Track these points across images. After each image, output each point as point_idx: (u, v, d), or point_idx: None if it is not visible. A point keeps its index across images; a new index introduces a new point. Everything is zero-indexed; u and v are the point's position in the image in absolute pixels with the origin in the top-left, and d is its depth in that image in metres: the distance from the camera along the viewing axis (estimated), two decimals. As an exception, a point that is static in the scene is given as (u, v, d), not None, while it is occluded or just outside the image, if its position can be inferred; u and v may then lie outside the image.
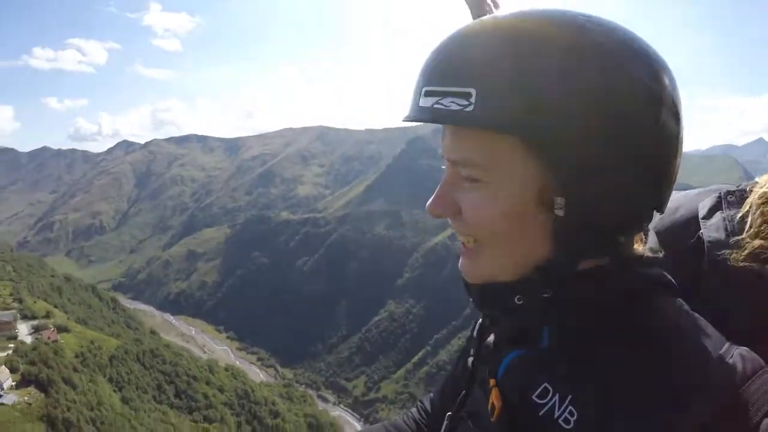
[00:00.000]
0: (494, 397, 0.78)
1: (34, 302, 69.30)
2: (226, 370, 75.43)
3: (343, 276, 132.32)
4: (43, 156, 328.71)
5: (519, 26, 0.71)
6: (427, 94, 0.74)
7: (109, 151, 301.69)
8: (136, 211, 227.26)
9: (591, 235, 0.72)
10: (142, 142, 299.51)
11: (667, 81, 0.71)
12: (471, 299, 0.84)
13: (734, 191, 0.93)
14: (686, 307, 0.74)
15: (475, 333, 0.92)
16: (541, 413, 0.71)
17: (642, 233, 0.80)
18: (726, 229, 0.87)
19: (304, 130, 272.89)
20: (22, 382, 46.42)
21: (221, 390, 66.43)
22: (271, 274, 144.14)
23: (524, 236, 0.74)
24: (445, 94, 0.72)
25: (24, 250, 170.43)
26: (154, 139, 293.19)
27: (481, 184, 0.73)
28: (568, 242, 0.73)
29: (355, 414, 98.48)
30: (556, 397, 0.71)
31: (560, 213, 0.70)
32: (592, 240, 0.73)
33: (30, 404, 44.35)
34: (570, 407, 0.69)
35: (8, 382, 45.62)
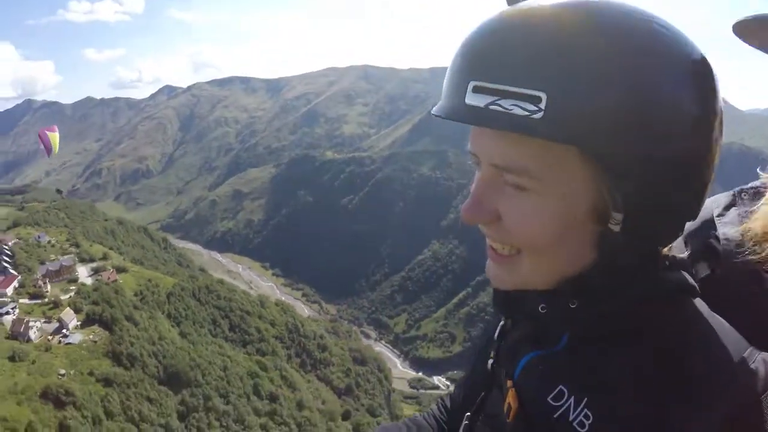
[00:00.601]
0: (511, 398, 0.77)
1: (91, 246, 70.93)
2: (276, 305, 76.40)
3: (388, 215, 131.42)
4: (86, 106, 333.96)
5: (594, 19, 0.63)
6: (478, 90, 0.65)
7: (152, 96, 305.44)
8: (181, 153, 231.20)
9: (636, 249, 0.70)
10: (185, 86, 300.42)
11: (718, 92, 0.67)
12: (494, 303, 0.82)
13: (748, 189, 0.92)
14: (708, 309, 0.72)
15: (496, 335, 0.91)
16: (556, 415, 0.70)
17: None
18: (741, 224, 0.86)
19: (348, 69, 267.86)
20: (87, 322, 47.81)
21: (272, 324, 67.59)
22: (315, 212, 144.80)
23: (568, 248, 0.71)
24: (504, 95, 0.63)
25: (75, 197, 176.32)
26: (197, 83, 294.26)
27: (530, 193, 0.68)
28: (613, 255, 0.70)
29: (395, 351, 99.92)
30: (572, 399, 0.69)
31: (616, 228, 0.67)
32: (636, 253, 0.70)
33: (95, 342, 45.82)
34: (585, 410, 0.67)
35: (73, 323, 46.93)
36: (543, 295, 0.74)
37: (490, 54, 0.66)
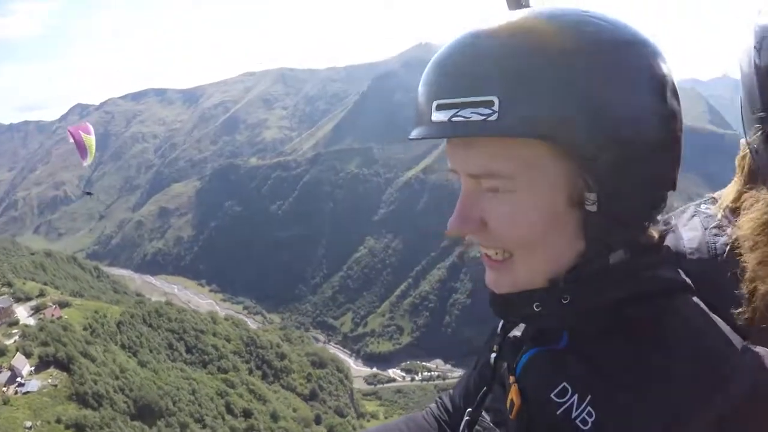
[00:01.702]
0: (513, 394, 0.77)
1: (24, 283, 65.08)
2: (226, 319, 74.55)
3: (319, 217, 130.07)
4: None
5: (529, 26, 0.68)
6: (440, 108, 0.70)
7: (63, 117, 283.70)
8: (100, 175, 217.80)
9: (621, 225, 0.71)
10: (97, 103, 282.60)
11: (665, 64, 0.71)
12: (491, 306, 0.83)
13: (706, 199, 0.97)
14: (704, 307, 0.73)
15: (498, 330, 0.91)
16: (558, 412, 0.70)
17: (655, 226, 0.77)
18: (704, 227, 0.89)
19: (265, 73, 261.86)
20: (41, 366, 43.87)
21: (228, 340, 66.12)
22: (246, 222, 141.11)
23: (557, 239, 0.72)
24: (462, 106, 0.68)
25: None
26: (110, 99, 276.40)
27: (509, 194, 0.70)
28: (599, 236, 0.71)
29: (346, 350, 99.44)
30: (575, 397, 0.69)
31: (592, 209, 0.69)
32: (622, 229, 0.72)
33: (56, 386, 42.23)
34: (589, 408, 0.68)
35: (26, 369, 42.68)
36: (536, 293, 0.74)
37: (446, 73, 0.70)
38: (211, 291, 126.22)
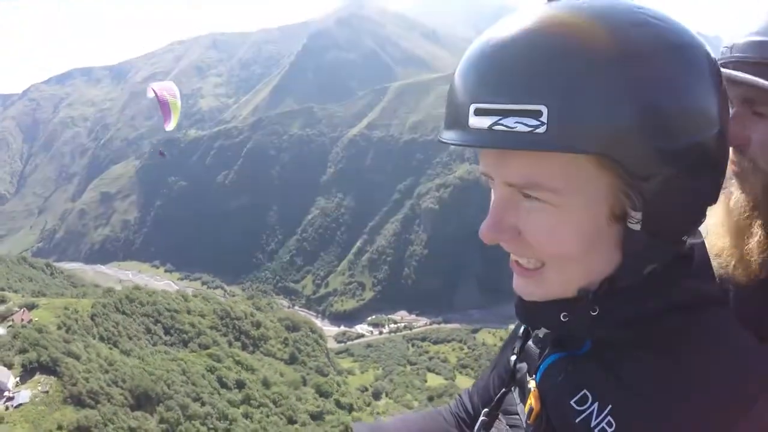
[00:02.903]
0: (533, 399, 0.74)
1: None
2: (195, 296, 72.15)
3: (267, 182, 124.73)
4: None
5: (586, 25, 0.60)
6: (479, 112, 0.62)
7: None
8: (32, 168, 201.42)
9: (662, 241, 0.67)
10: (19, 91, 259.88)
11: (719, 73, 0.65)
12: (516, 314, 0.80)
13: None
14: (733, 319, 0.70)
15: (520, 332, 0.88)
16: (577, 420, 0.67)
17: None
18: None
19: (195, 40, 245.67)
20: (26, 374, 40.17)
21: (202, 315, 63.85)
22: (192, 196, 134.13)
23: (593, 253, 0.67)
24: (505, 113, 0.60)
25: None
26: (33, 85, 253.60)
27: (551, 208, 0.65)
28: (637, 252, 0.67)
29: (311, 312, 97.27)
30: (595, 405, 0.66)
31: (635, 227, 0.64)
32: (662, 245, 0.67)
33: (47, 392, 38.94)
34: (609, 417, 0.64)
35: (11, 380, 38.54)
36: (563, 303, 0.71)
37: (486, 75, 0.63)
38: (166, 271, 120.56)
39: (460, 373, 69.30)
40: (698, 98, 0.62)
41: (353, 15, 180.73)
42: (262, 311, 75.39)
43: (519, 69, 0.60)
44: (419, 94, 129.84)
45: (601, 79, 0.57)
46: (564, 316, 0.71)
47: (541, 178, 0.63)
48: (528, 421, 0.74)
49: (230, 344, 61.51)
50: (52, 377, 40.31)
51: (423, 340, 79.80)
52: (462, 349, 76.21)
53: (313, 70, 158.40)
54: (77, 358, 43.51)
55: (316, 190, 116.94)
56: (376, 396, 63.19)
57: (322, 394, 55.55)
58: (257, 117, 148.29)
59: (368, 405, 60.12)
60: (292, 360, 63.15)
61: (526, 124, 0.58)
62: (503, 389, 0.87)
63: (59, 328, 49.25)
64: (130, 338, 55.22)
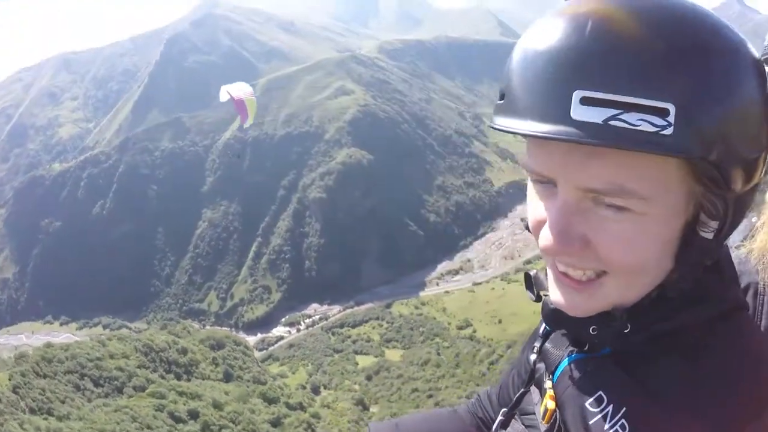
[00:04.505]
0: (548, 399, 0.71)
1: None
2: (110, 339, 64.61)
3: (147, 204, 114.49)
4: None
5: (710, 21, 0.54)
6: (587, 102, 0.51)
7: None
8: None
9: (714, 250, 0.62)
10: None
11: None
12: (543, 316, 0.75)
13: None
14: (756, 326, 0.69)
15: (541, 331, 0.84)
16: (591, 422, 0.62)
17: None
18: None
19: (43, 64, 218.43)
20: None
21: (126, 357, 57.55)
22: (71, 235, 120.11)
23: (659, 263, 0.62)
24: (626, 107, 0.50)
25: None
26: None
27: (637, 216, 0.57)
28: (699, 260, 0.62)
29: (224, 328, 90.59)
30: (610, 407, 0.61)
31: (708, 236, 0.59)
32: (713, 254, 0.63)
33: None
34: (623, 420, 0.59)
35: None
36: (596, 317, 0.66)
37: (599, 58, 0.51)
38: (62, 324, 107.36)
39: (387, 347, 68.94)
40: (765, 104, 0.56)
41: (208, 15, 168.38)
42: (182, 337, 69.35)
43: (645, 58, 0.50)
44: (287, 88, 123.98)
45: (723, 81, 0.52)
46: (593, 330, 0.67)
47: (632, 183, 0.55)
48: (543, 421, 0.71)
49: (163, 378, 56.42)
50: (-1, 469, 34.43)
51: (341, 326, 78.01)
52: (381, 326, 75.33)
53: (174, 79, 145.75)
54: (17, 437, 37.46)
55: (200, 203, 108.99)
56: (315, 391, 61.02)
57: (270, 401, 53.38)
58: (123, 137, 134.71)
59: (314, 400, 58.40)
60: (227, 378, 59.55)
61: (652, 123, 0.50)
62: (522, 389, 0.84)
63: (-19, 413, 42.43)
64: (63, 401, 48.30)
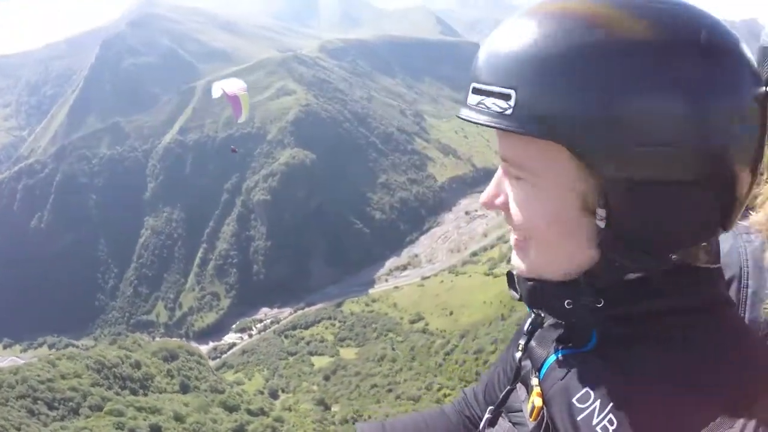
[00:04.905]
0: (536, 396, 0.72)
1: None
2: (59, 359, 62.57)
3: (88, 214, 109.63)
4: None
5: (569, 14, 0.59)
6: (474, 91, 0.66)
7: None
8: None
9: (636, 250, 0.63)
10: None
11: (747, 78, 0.58)
12: (521, 294, 0.78)
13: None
14: (743, 322, 0.70)
15: (525, 328, 0.85)
16: (579, 418, 0.63)
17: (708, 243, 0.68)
18: (735, 233, 0.85)
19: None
20: None
21: (79, 376, 54.58)
22: (8, 251, 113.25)
23: (568, 239, 0.67)
24: (489, 94, 0.64)
25: None
26: None
27: (526, 183, 0.67)
28: (610, 254, 0.65)
29: (175, 339, 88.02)
30: (597, 403, 0.62)
31: (601, 224, 0.63)
32: (638, 255, 0.64)
33: None
34: (610, 416, 0.60)
35: None
36: (568, 291, 0.70)
37: (485, 56, 0.66)
38: (5, 348, 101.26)
39: (341, 346, 68.71)
40: (670, 104, 0.56)
41: (146, 15, 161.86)
42: (133, 351, 66.14)
43: (501, 53, 0.62)
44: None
45: (568, 69, 0.57)
46: (568, 303, 0.70)
47: (523, 159, 0.65)
48: (530, 419, 0.72)
49: (119, 394, 54.16)
50: None
51: (294, 328, 76.90)
52: (334, 325, 74.94)
53: (111, 82, 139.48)
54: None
55: (142, 210, 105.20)
56: (273, 395, 60.30)
57: (231, 409, 52.15)
58: (59, 145, 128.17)
59: (273, 404, 57.36)
60: (184, 389, 57.60)
61: (499, 106, 0.61)
62: (508, 387, 0.85)
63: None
64: (18, 429, 44.17)
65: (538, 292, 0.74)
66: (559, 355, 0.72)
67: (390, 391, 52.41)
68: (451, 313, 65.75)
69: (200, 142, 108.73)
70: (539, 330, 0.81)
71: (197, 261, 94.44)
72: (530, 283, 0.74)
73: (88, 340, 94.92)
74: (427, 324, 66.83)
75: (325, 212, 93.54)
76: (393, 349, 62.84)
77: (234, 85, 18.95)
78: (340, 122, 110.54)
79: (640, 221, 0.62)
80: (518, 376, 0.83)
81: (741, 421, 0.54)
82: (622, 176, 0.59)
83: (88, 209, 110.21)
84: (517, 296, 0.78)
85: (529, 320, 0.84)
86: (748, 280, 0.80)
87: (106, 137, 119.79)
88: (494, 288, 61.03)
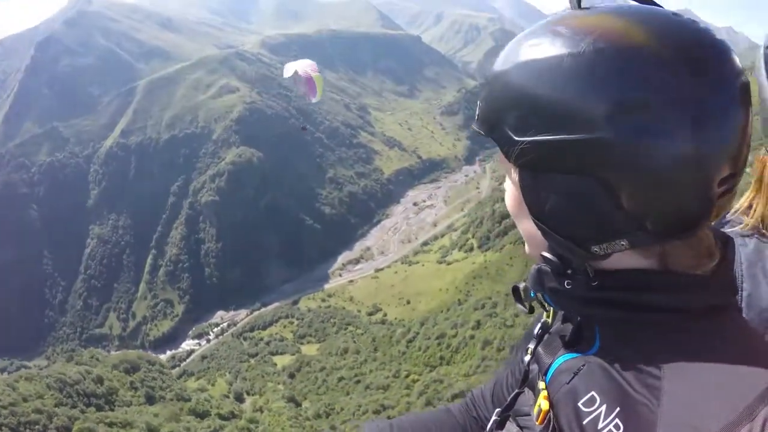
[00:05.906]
0: (542, 399, 0.71)
1: None
2: (17, 381, 57.43)
3: (29, 225, 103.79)
4: None
5: (512, 42, 0.69)
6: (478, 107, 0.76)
7: None
8: None
9: (563, 236, 0.67)
10: None
11: (666, 72, 0.57)
12: (528, 284, 0.80)
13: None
14: (745, 326, 0.70)
15: (535, 332, 0.86)
16: (585, 422, 0.63)
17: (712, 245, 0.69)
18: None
19: None
20: None
21: (41, 397, 51.02)
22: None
23: (526, 224, 0.73)
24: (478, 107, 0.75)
25: None
26: None
27: (509, 176, 0.75)
28: (550, 244, 0.70)
29: (131, 350, 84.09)
30: (603, 407, 0.62)
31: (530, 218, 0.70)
32: (567, 246, 0.67)
33: None
34: (616, 420, 0.59)
35: None
36: (563, 272, 0.71)
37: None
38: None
39: (302, 343, 67.50)
40: (564, 93, 0.59)
41: (81, 13, 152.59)
42: (93, 365, 64.18)
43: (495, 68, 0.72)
44: (169, 88, 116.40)
45: (499, 74, 0.68)
46: (568, 284, 0.71)
47: (501, 155, 0.72)
48: (537, 422, 0.71)
49: (84, 412, 48.26)
50: None
51: (252, 330, 74.80)
52: (292, 323, 73.22)
53: (47, 84, 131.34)
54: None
55: (86, 218, 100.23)
56: (239, 398, 57.81)
57: (201, 415, 49.57)
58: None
59: (241, 408, 54.82)
60: (150, 400, 54.33)
61: (477, 114, 0.73)
62: (516, 390, 0.85)
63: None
64: None
65: (540, 275, 0.75)
66: (565, 359, 0.73)
67: (358, 382, 51.35)
68: (408, 302, 65.71)
69: (143, 145, 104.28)
70: (547, 335, 0.82)
71: (147, 268, 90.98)
72: (535, 267, 0.76)
73: (40, 359, 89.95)
74: (385, 315, 66.51)
75: (275, 210, 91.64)
76: (354, 341, 62.22)
77: (307, 66, 18.70)
78: (286, 119, 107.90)
79: (542, 206, 0.66)
80: (526, 380, 0.83)
81: (749, 425, 0.53)
82: (525, 163, 0.65)
83: (30, 221, 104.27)
84: (526, 310, 0.81)
85: (539, 325, 0.85)
86: (743, 283, 0.79)
87: (45, 143, 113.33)
88: (448, 275, 60.82)
